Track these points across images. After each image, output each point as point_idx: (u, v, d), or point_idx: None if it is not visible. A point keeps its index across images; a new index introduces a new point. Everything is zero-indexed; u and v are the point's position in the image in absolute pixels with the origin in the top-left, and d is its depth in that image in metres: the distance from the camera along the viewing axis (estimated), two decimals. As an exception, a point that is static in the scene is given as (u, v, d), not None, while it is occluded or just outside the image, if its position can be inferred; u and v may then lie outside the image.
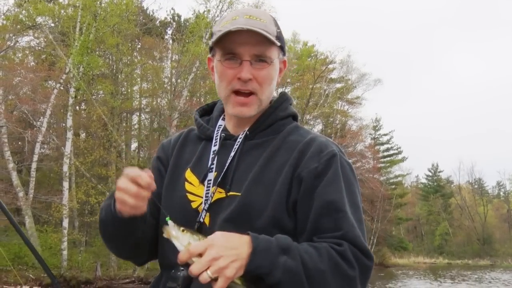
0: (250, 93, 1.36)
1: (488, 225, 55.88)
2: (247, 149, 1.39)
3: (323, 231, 1.25)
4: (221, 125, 1.46)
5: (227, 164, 1.37)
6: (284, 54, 1.44)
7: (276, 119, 1.43)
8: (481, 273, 34.89)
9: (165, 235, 1.19)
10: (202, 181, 1.38)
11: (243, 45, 1.33)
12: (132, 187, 1.21)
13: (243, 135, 1.40)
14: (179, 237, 1.17)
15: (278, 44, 1.36)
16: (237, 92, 1.36)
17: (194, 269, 1.12)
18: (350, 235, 1.23)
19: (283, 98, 1.48)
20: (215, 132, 1.45)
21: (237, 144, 1.39)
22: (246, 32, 1.31)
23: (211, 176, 1.37)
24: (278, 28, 1.39)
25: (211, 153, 1.41)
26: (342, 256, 1.20)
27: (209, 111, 1.56)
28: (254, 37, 1.32)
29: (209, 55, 1.44)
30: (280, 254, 1.17)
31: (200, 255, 1.13)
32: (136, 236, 1.39)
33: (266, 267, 1.15)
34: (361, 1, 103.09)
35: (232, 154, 1.38)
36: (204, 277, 1.11)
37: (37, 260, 1.60)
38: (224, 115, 1.49)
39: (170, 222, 1.19)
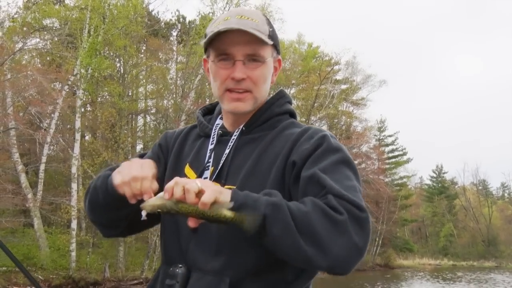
0: (244, 91, 1.37)
1: (493, 227, 55.73)
2: (242, 143, 1.41)
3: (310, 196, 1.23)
4: (219, 124, 1.49)
5: (222, 159, 1.39)
6: (278, 53, 1.45)
7: (272, 114, 1.44)
8: (485, 274, 34.83)
9: (144, 211, 1.19)
10: (199, 177, 1.40)
11: (235, 45, 1.34)
12: (138, 186, 1.27)
13: (239, 131, 1.42)
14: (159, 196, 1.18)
15: (271, 42, 1.37)
16: (231, 90, 1.37)
17: (182, 180, 1.13)
18: (335, 190, 1.18)
19: (280, 95, 1.49)
20: (213, 130, 1.48)
21: (232, 140, 1.42)
22: (237, 32, 1.31)
23: (208, 173, 1.39)
24: (271, 27, 1.40)
25: (208, 150, 1.44)
26: (327, 204, 1.15)
27: (212, 110, 1.59)
28: (245, 37, 1.32)
29: (204, 57, 1.45)
30: (261, 195, 1.18)
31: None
32: (120, 214, 1.43)
33: (249, 205, 1.14)
34: (361, 3, 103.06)
35: (228, 150, 1.40)
36: (192, 185, 1.11)
37: (20, 269, 1.57)
38: (222, 115, 1.51)
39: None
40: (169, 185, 1.14)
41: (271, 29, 1.39)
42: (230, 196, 1.15)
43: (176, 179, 1.15)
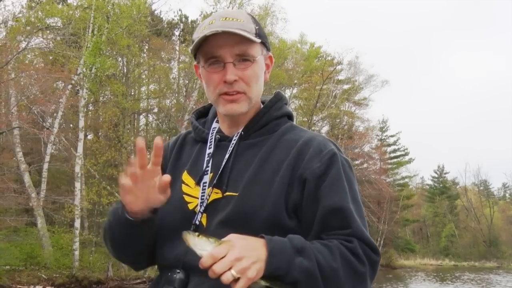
0: (238, 93, 1.36)
1: (494, 227, 55.60)
2: (242, 149, 1.39)
3: (331, 229, 1.27)
4: (215, 127, 1.47)
5: (222, 165, 1.37)
6: (268, 50, 1.44)
7: (270, 119, 1.43)
8: (487, 274, 34.83)
9: (187, 244, 1.19)
10: (198, 183, 1.39)
11: (223, 47, 1.33)
12: (136, 171, 1.22)
13: (238, 135, 1.40)
14: (196, 244, 1.17)
15: (258, 40, 1.35)
16: (225, 94, 1.36)
17: (217, 268, 1.11)
18: (359, 233, 1.26)
19: (277, 98, 1.48)
20: (210, 135, 1.45)
21: (231, 145, 1.39)
22: (223, 34, 1.31)
23: (207, 178, 1.38)
24: (257, 25, 1.39)
25: (206, 155, 1.42)
26: (352, 253, 1.23)
27: (205, 113, 1.56)
28: (232, 38, 1.32)
29: (195, 63, 1.43)
30: (295, 255, 1.19)
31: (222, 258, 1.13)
32: (142, 243, 1.38)
33: (283, 269, 1.16)
34: (361, 2, 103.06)
35: (227, 155, 1.38)
36: (228, 277, 1.11)
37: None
38: (218, 118, 1.49)
39: (185, 231, 1.20)
40: (205, 263, 1.12)
41: (257, 27, 1.38)
42: (265, 261, 1.16)
43: (212, 262, 1.12)
